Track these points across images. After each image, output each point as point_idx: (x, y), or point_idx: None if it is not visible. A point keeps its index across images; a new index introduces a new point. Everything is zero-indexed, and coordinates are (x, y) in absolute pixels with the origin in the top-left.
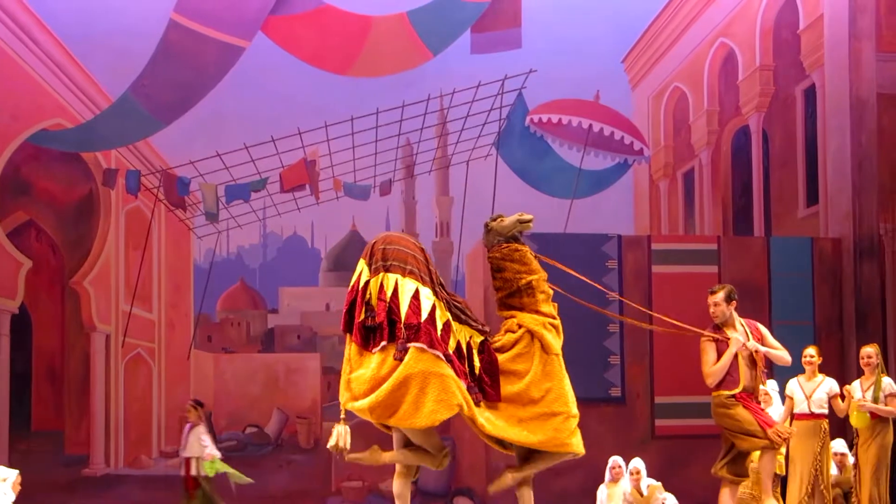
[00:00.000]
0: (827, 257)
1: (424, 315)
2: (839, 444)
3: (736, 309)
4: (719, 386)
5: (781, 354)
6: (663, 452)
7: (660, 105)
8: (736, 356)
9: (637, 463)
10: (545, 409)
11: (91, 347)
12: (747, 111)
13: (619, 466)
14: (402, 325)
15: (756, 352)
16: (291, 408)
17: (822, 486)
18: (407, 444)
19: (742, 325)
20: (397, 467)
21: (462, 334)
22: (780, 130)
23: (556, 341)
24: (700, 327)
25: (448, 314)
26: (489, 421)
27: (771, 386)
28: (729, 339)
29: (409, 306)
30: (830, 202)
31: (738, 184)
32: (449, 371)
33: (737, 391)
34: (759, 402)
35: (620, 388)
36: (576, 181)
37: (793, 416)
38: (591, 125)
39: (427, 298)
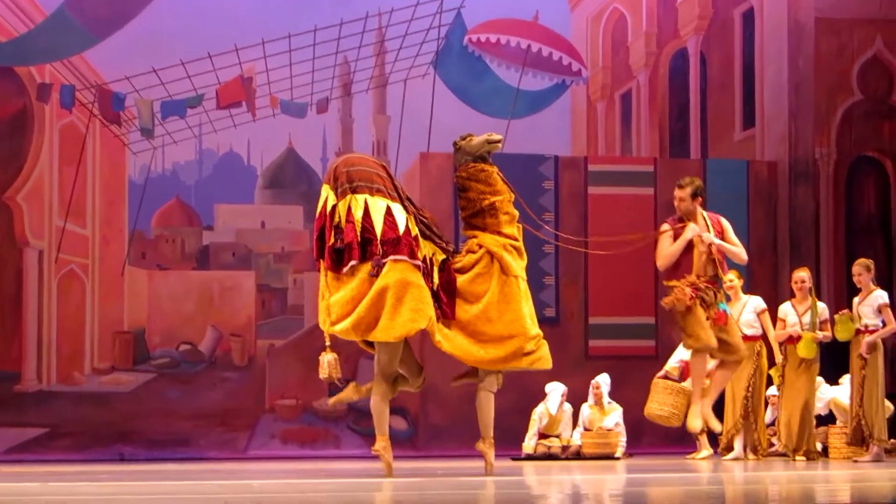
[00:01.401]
0: (762, 180)
1: (402, 228)
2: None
3: (702, 205)
4: (670, 275)
5: (738, 251)
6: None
7: (598, 26)
8: (693, 248)
9: (602, 379)
10: (502, 330)
11: (24, 263)
12: (686, 33)
13: (600, 387)
14: (378, 243)
15: (711, 244)
16: (225, 325)
17: (755, 408)
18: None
19: (704, 219)
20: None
21: (427, 249)
22: (717, 53)
23: (515, 263)
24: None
25: (417, 228)
26: (446, 338)
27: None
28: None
29: (385, 223)
30: (767, 126)
31: (675, 106)
32: (423, 282)
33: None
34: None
35: (555, 308)
36: (514, 101)
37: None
38: (529, 45)
39: (400, 213)
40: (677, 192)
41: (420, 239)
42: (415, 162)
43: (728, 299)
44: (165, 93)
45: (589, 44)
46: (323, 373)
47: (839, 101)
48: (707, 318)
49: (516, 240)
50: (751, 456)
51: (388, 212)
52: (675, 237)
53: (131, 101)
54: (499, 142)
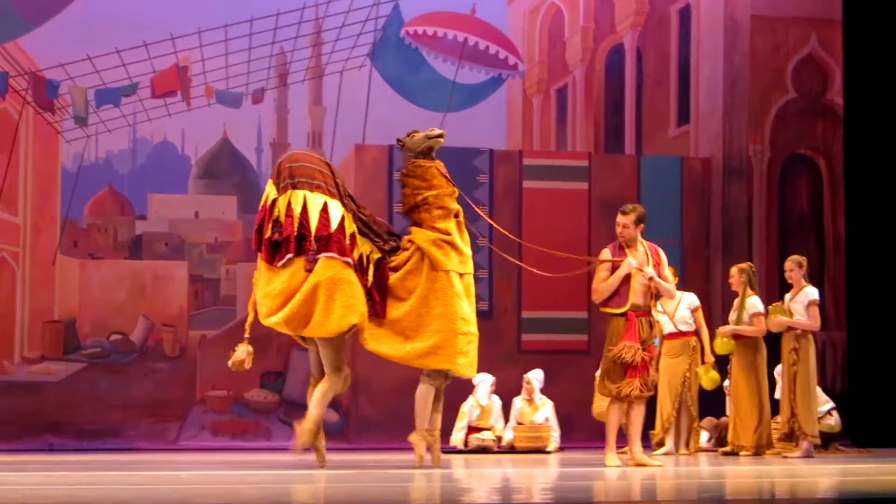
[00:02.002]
0: (696, 177)
1: (334, 225)
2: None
3: (642, 232)
4: (607, 303)
5: (669, 288)
6: (529, 367)
7: (535, 20)
8: (629, 279)
9: (533, 374)
10: (430, 325)
11: None
12: (622, 29)
13: (531, 383)
14: (312, 239)
15: (650, 279)
16: (157, 315)
17: (689, 404)
18: (318, 365)
19: (643, 247)
20: (312, 379)
21: (364, 248)
22: (653, 49)
23: (446, 258)
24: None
25: (354, 226)
26: (373, 337)
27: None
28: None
29: (319, 219)
30: (701, 122)
31: (610, 102)
32: (356, 278)
33: (623, 309)
34: None
35: (488, 302)
36: (450, 94)
37: (663, 338)
38: (466, 39)
39: (336, 210)
40: (620, 219)
41: (357, 237)
42: (350, 154)
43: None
44: (100, 81)
45: (525, 38)
46: (231, 360)
47: (773, 98)
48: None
49: (448, 234)
50: (682, 451)
51: (325, 208)
52: (613, 269)
53: (65, 88)
54: (440, 136)
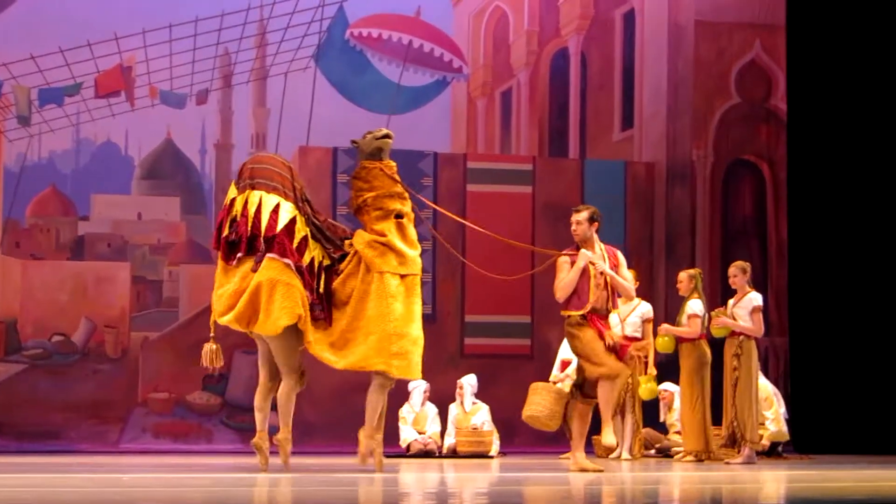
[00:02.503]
0: (640, 181)
1: (280, 227)
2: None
3: (597, 231)
4: (567, 305)
5: (628, 287)
6: (471, 371)
7: (480, 23)
8: (588, 278)
9: (466, 379)
10: (366, 327)
11: None
12: (567, 33)
13: (428, 391)
14: (261, 239)
15: (602, 273)
16: (99, 317)
17: (631, 409)
18: (270, 362)
19: (600, 249)
20: (260, 380)
21: (316, 252)
22: (598, 54)
23: (381, 259)
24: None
25: (307, 229)
26: (317, 341)
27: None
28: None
29: (269, 219)
30: (645, 127)
31: (555, 105)
32: (296, 281)
33: (584, 311)
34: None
35: (431, 305)
36: (394, 97)
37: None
38: (410, 41)
39: (287, 212)
40: (574, 217)
41: (310, 240)
42: (294, 156)
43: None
44: (43, 80)
45: (470, 41)
46: (203, 361)
47: (717, 103)
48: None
49: (383, 235)
50: (625, 456)
51: (276, 209)
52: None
53: (8, 87)
54: (386, 136)
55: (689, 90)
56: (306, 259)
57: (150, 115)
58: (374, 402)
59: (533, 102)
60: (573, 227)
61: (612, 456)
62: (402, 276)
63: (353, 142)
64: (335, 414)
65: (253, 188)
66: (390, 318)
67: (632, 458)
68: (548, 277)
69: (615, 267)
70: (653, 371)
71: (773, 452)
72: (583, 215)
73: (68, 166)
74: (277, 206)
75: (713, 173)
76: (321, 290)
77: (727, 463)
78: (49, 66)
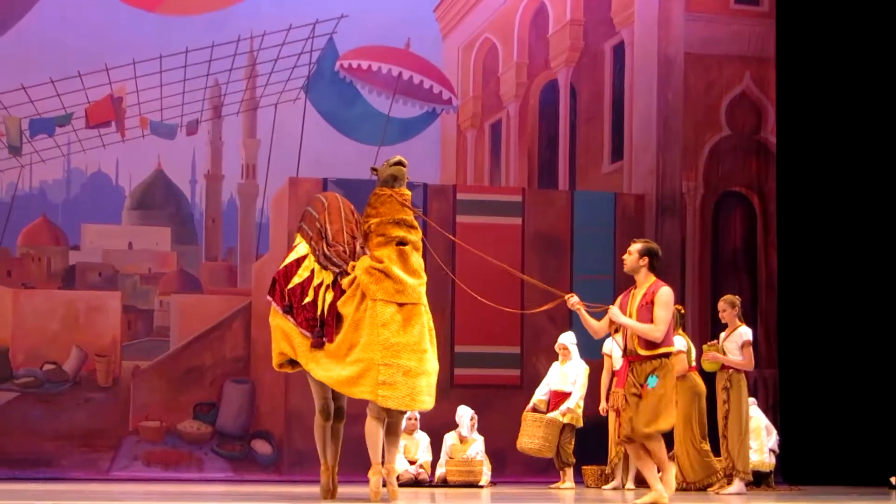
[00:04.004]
0: (629, 213)
1: (281, 267)
2: None
3: (648, 267)
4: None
5: (645, 329)
6: (461, 401)
7: (470, 55)
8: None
9: (462, 411)
10: (355, 354)
11: None
12: (556, 65)
13: (415, 419)
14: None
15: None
16: (90, 346)
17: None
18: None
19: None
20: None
21: (327, 277)
22: (587, 86)
23: (376, 286)
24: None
25: (315, 265)
26: (320, 365)
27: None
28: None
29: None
30: (635, 159)
31: (544, 137)
32: (280, 321)
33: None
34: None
35: None
36: (384, 128)
37: (613, 374)
38: (400, 73)
39: (295, 254)
40: (629, 248)
41: (316, 273)
42: (283, 187)
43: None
44: (34, 110)
45: (460, 72)
46: None
47: (707, 136)
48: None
49: (380, 262)
50: (630, 486)
51: (290, 252)
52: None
53: None
54: (398, 163)
55: (678, 122)
56: (310, 297)
57: (140, 145)
58: (370, 435)
59: (522, 134)
60: (625, 256)
61: (612, 485)
62: (401, 305)
63: (373, 169)
64: None
65: (299, 230)
66: (377, 346)
67: (635, 487)
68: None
69: (648, 304)
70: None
71: (759, 483)
72: (636, 247)
73: (59, 196)
74: (294, 248)
75: (703, 205)
76: (326, 309)
77: (717, 493)
78: (40, 96)
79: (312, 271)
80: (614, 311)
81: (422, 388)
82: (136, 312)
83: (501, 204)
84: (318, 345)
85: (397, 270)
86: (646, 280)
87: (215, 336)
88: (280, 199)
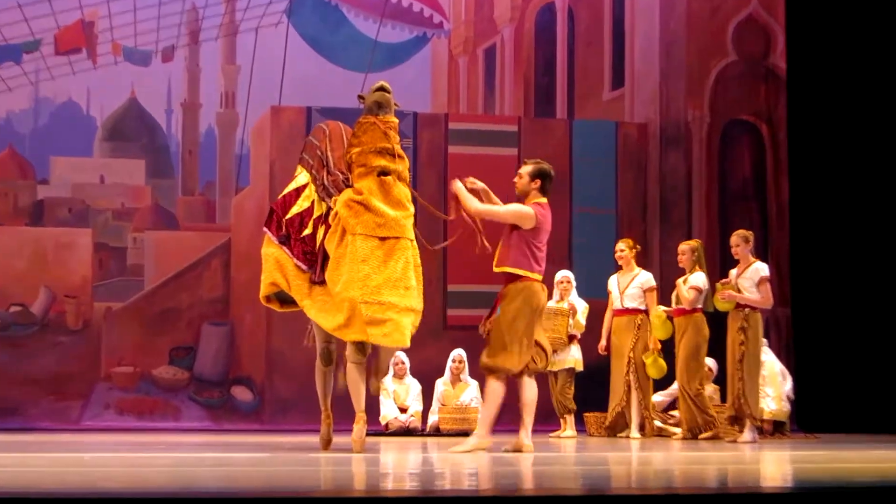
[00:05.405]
0: (632, 143)
1: (279, 197)
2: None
3: (541, 190)
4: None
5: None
6: (455, 344)
7: None
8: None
9: (461, 352)
10: (339, 294)
11: None
12: None
13: (402, 363)
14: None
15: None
16: (60, 286)
17: (635, 387)
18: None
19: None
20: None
21: (324, 208)
22: (586, 9)
23: (355, 220)
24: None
25: (315, 195)
26: (315, 304)
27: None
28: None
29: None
30: (637, 85)
31: (541, 63)
32: (275, 250)
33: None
34: None
35: None
36: (371, 54)
37: (613, 313)
38: None
39: (295, 183)
40: (519, 171)
41: (316, 204)
42: (265, 116)
43: None
44: (0, 37)
45: None
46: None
47: (713, 61)
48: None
49: (360, 193)
50: (635, 434)
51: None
52: None
53: None
54: (379, 88)
55: (682, 47)
56: (309, 228)
57: (112, 73)
58: (353, 382)
59: (518, 60)
60: (514, 180)
61: (620, 434)
62: (382, 239)
63: (360, 97)
64: (311, 389)
65: (300, 161)
66: (356, 284)
67: (642, 436)
68: None
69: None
70: (657, 345)
71: (776, 432)
72: (525, 169)
73: (26, 126)
74: (294, 178)
75: (709, 134)
76: (319, 244)
77: (731, 441)
78: (6, 21)
79: (313, 202)
80: (457, 186)
81: (406, 326)
82: (109, 250)
83: (496, 134)
84: (319, 280)
85: (377, 202)
86: (533, 199)
87: (192, 275)
88: (261, 128)
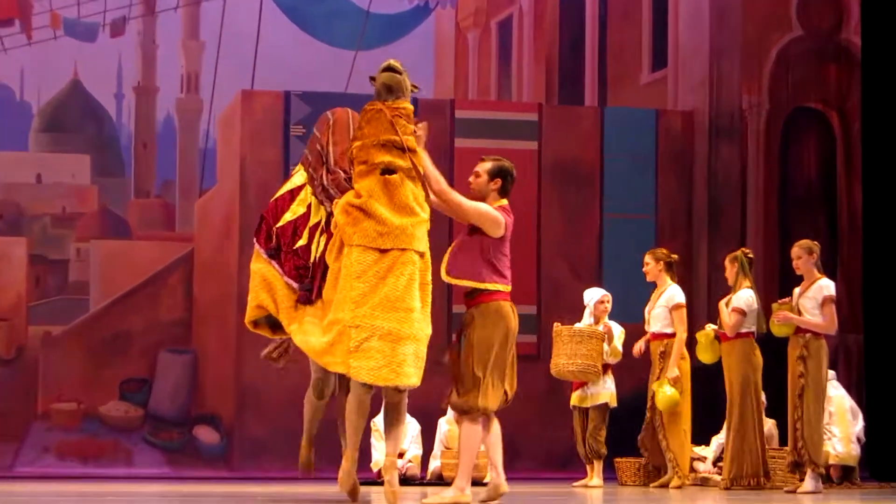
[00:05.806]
0: (675, 135)
1: (271, 201)
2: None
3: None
4: None
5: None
6: None
7: None
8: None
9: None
10: (329, 315)
11: None
12: None
13: None
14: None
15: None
16: None
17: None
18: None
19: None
20: None
21: (322, 214)
22: None
23: (352, 229)
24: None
25: (312, 198)
26: (301, 326)
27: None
28: None
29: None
30: (682, 66)
31: (566, 40)
32: (262, 266)
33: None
34: None
35: None
36: (363, 28)
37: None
38: None
39: (290, 184)
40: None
41: (314, 205)
42: (234, 101)
43: None
44: None
45: None
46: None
47: (774, 37)
48: None
49: (360, 196)
50: (675, 482)
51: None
52: None
53: None
54: (386, 68)
55: (737, 20)
56: (304, 238)
57: (51, 49)
58: (347, 417)
59: (539, 35)
60: (470, 179)
61: (654, 485)
62: (383, 251)
63: (372, 78)
64: (287, 427)
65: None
66: (347, 304)
67: (681, 483)
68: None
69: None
70: (673, 372)
71: (842, 480)
72: (484, 167)
73: None
74: (291, 179)
75: (768, 125)
76: (317, 258)
77: (790, 492)
78: None
79: (309, 206)
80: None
81: (405, 358)
82: (47, 264)
83: (512, 124)
84: (303, 299)
85: (379, 207)
86: (494, 202)
87: (147, 294)
88: (230, 117)
